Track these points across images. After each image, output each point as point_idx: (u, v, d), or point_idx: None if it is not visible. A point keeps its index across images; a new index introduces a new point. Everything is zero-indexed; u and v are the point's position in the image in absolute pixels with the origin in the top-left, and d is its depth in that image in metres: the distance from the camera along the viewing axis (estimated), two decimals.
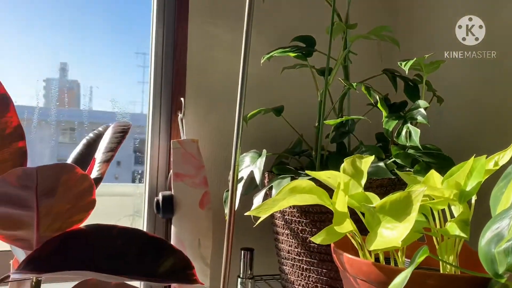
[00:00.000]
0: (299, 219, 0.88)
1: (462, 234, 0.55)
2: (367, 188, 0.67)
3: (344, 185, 0.63)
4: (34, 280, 0.71)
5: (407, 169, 0.82)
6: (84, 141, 0.87)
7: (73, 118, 1.20)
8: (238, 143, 0.82)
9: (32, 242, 0.69)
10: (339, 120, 0.91)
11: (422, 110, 0.83)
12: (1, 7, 1.12)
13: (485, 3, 0.98)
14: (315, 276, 0.86)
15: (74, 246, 0.66)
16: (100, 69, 1.20)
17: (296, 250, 0.89)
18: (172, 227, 1.02)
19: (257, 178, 0.88)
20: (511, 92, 0.94)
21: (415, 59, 0.86)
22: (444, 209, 0.63)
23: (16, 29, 1.14)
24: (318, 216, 0.85)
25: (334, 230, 0.63)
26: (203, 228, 1.02)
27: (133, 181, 1.29)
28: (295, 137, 1.07)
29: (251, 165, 0.92)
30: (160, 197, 1.03)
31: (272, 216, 0.96)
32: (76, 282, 0.76)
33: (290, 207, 0.89)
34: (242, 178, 0.91)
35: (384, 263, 0.63)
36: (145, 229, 1.14)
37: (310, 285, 0.87)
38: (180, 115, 1.10)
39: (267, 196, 0.88)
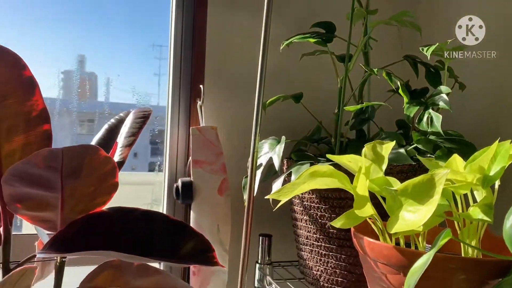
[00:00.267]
0: (318, 205, 0.88)
1: (486, 218, 0.55)
2: (387, 173, 0.67)
3: (365, 169, 0.62)
4: (58, 260, 0.72)
5: (428, 155, 0.81)
6: (106, 126, 0.88)
7: (91, 110, 1.21)
8: (257, 129, 0.82)
9: (56, 223, 0.70)
10: (359, 106, 0.90)
11: (444, 95, 0.81)
12: (21, 2, 1.14)
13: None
14: (334, 261, 0.86)
15: (97, 227, 0.68)
16: (117, 61, 1.21)
17: (314, 236, 0.89)
18: (191, 213, 1.03)
19: (276, 164, 0.89)
20: None
21: (437, 44, 0.85)
22: (466, 194, 0.63)
23: (35, 23, 1.15)
24: (338, 202, 0.85)
25: (354, 214, 0.63)
26: (222, 214, 1.02)
27: (151, 172, 1.31)
28: (314, 124, 1.07)
29: (270, 152, 0.92)
30: (179, 183, 1.04)
31: (290, 202, 0.97)
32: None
33: (309, 193, 0.89)
34: (261, 164, 0.92)
35: None
36: None
37: (328, 270, 0.87)
38: (199, 102, 1.10)
39: (285, 182, 0.88)
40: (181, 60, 1.14)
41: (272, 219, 1.12)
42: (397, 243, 0.65)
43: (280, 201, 0.68)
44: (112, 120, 0.89)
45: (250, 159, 0.84)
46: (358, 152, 0.70)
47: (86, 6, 1.19)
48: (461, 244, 0.62)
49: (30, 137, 0.65)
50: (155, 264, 0.85)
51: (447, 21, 1.17)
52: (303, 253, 0.93)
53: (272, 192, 0.70)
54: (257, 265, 1.03)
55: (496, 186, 0.61)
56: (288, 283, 0.95)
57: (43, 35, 1.16)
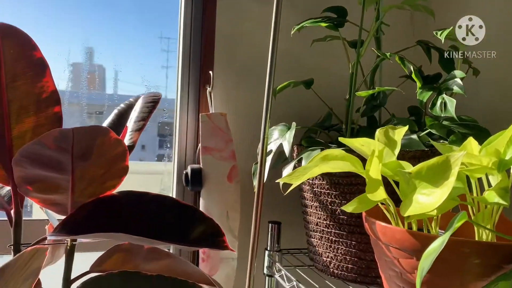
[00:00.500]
0: (328, 191, 0.87)
1: (502, 201, 0.54)
2: (399, 159, 0.66)
3: (378, 153, 0.61)
4: (68, 244, 0.72)
5: (442, 141, 0.80)
6: (115, 111, 0.88)
7: (99, 102, 1.22)
8: (267, 116, 0.82)
9: (67, 206, 0.70)
10: (371, 91, 0.89)
11: (458, 80, 0.80)
12: None
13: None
14: (344, 248, 0.86)
15: (107, 210, 0.68)
16: (125, 53, 1.21)
17: (324, 222, 0.88)
18: (201, 199, 1.02)
19: (286, 150, 0.88)
20: None
21: (451, 28, 0.83)
22: (481, 179, 0.62)
23: (43, 15, 1.15)
24: (348, 188, 0.84)
25: (366, 199, 0.62)
26: (231, 201, 1.02)
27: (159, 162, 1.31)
28: (324, 111, 1.06)
29: (280, 138, 0.92)
30: (189, 170, 1.03)
31: (300, 189, 0.96)
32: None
33: (319, 179, 0.88)
34: (271, 151, 0.91)
35: None
36: None
37: (338, 257, 0.87)
38: (208, 89, 1.10)
39: (296, 168, 0.88)
40: (191, 45, 1.13)
41: (281, 206, 1.11)
42: (409, 228, 0.64)
43: (290, 185, 0.68)
44: (122, 105, 0.89)
45: (260, 146, 0.84)
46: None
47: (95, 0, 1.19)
48: (476, 229, 0.61)
49: (41, 119, 0.65)
50: (165, 247, 0.85)
51: (460, 3, 1.15)
52: (312, 239, 0.93)
53: (283, 176, 0.70)
54: (266, 252, 1.02)
55: None
56: (297, 269, 0.95)
57: (51, 28, 1.16)
